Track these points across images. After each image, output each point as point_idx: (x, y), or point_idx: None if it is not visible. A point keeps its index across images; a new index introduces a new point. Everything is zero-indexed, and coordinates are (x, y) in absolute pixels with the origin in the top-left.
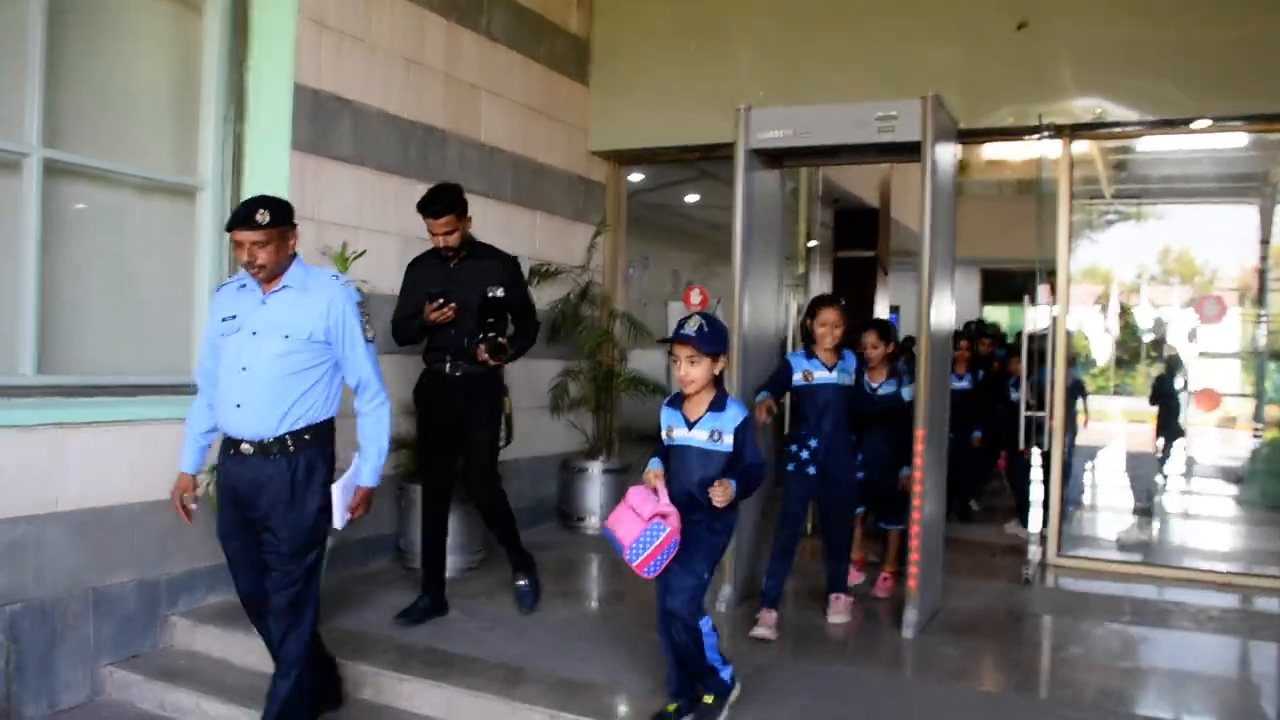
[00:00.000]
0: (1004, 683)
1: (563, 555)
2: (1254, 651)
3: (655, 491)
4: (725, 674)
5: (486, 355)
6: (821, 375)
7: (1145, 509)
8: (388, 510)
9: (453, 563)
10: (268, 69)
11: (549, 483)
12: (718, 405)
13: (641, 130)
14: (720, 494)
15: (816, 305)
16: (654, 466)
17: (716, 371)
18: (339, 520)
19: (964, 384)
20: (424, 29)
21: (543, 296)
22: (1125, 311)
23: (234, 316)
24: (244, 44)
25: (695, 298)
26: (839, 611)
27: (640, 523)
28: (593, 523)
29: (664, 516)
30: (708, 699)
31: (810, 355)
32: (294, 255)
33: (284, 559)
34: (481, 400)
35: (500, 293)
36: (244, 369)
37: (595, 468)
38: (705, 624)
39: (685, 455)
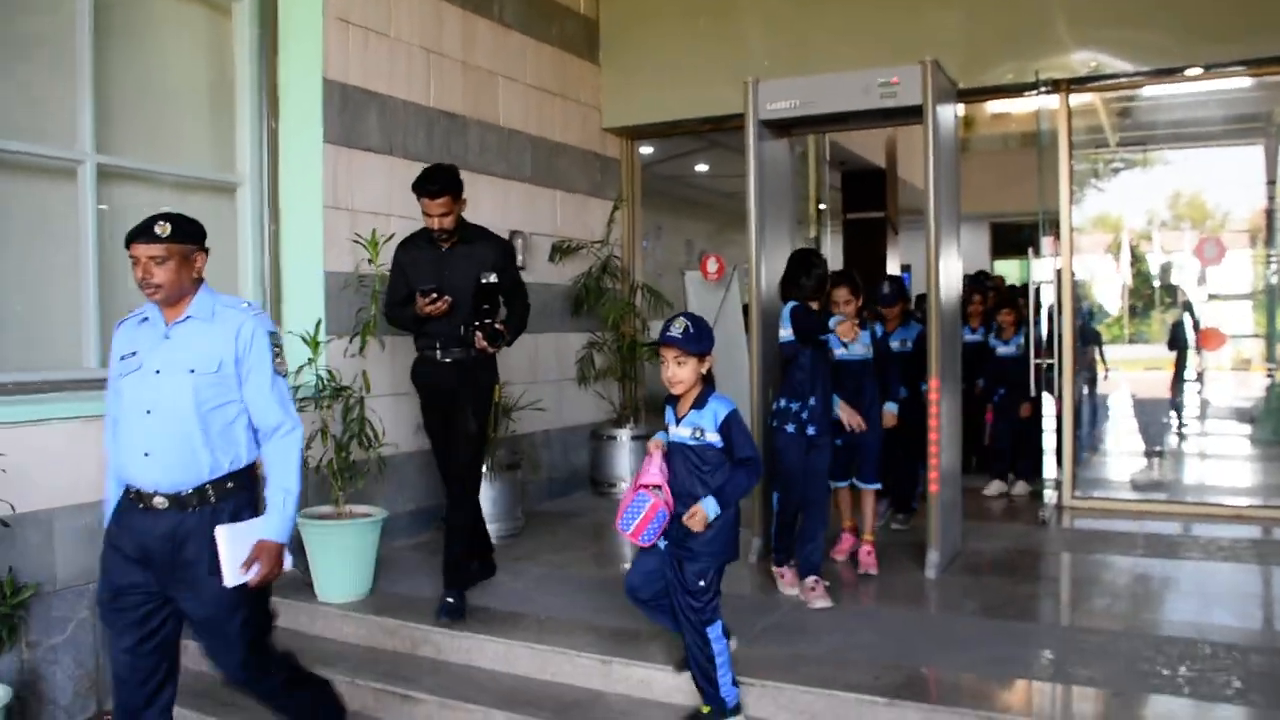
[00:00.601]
0: (1026, 614)
1: (595, 520)
2: (1260, 576)
3: (652, 460)
4: (730, 697)
5: (485, 343)
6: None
7: (1160, 451)
8: (429, 483)
9: (495, 530)
10: (298, 66)
11: (580, 452)
12: (699, 403)
13: (653, 105)
14: (696, 523)
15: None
16: (660, 436)
17: (704, 370)
18: (229, 578)
19: (976, 336)
20: (441, 19)
21: (565, 272)
22: (1138, 259)
23: (134, 354)
24: (273, 43)
25: (712, 265)
26: (820, 596)
27: (631, 492)
28: (623, 488)
29: (651, 488)
30: (705, 709)
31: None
32: (200, 280)
33: (205, 625)
34: (472, 388)
35: (494, 278)
36: (148, 412)
37: (624, 435)
38: (715, 630)
39: (676, 452)
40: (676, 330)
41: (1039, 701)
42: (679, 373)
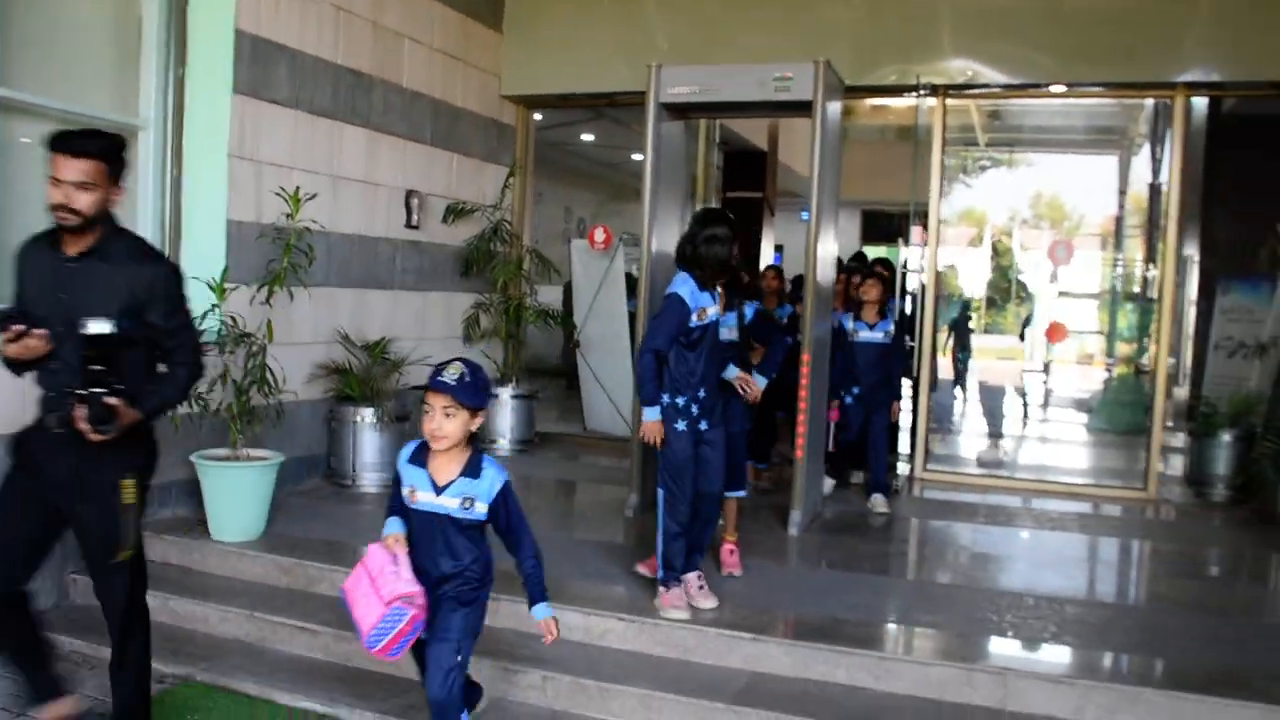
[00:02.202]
0: (877, 569)
1: None
2: (1084, 543)
3: (395, 560)
4: None
5: (86, 424)
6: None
7: (1004, 433)
8: (319, 431)
9: (382, 478)
10: (209, 14)
11: None
12: (472, 470)
13: (551, 77)
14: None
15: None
16: (393, 529)
17: (473, 428)
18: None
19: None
20: None
21: (458, 234)
22: (999, 254)
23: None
24: None
25: (599, 235)
26: (707, 596)
27: (379, 605)
28: (503, 445)
29: (407, 598)
30: None
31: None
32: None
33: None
34: (94, 479)
35: (107, 328)
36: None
37: (505, 394)
38: (465, 717)
39: (431, 524)
40: (450, 376)
41: (885, 640)
42: (445, 426)
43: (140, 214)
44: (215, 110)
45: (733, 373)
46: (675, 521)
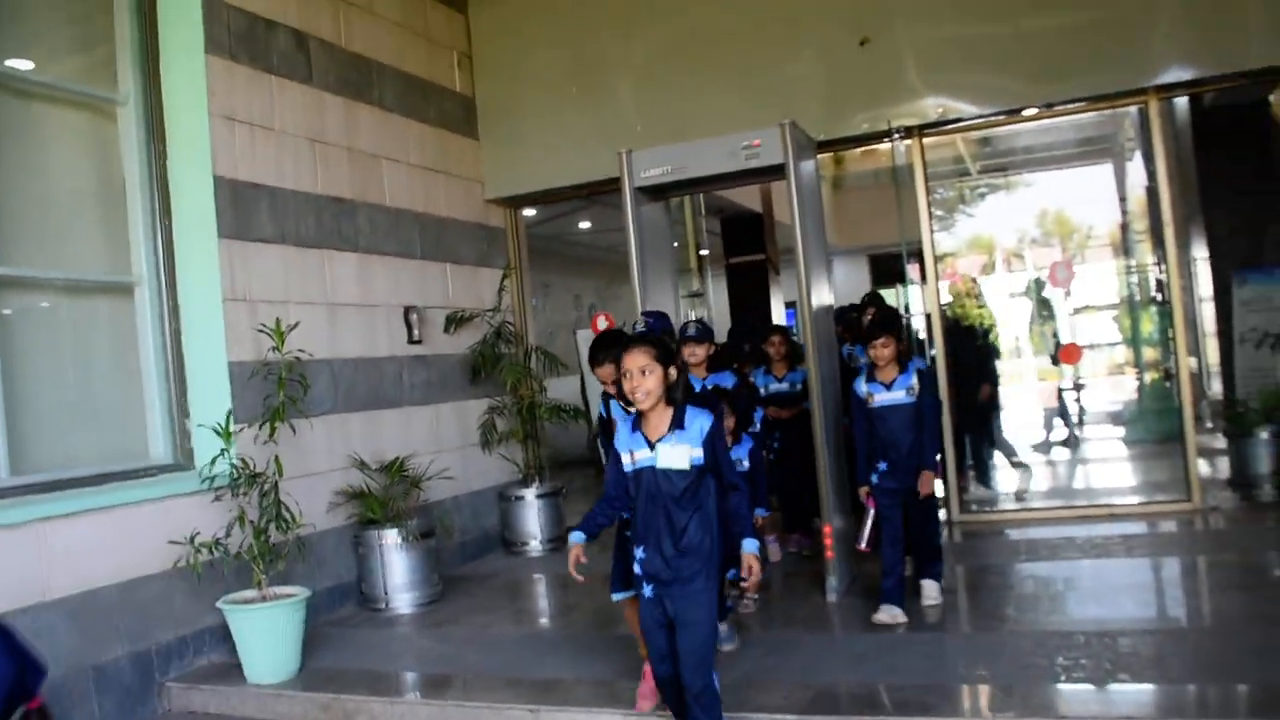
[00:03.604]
0: (917, 625)
1: (510, 579)
2: (1124, 568)
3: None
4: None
5: None
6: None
7: (1042, 460)
8: (347, 558)
9: (414, 597)
10: (187, 165)
11: (490, 514)
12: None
13: (532, 175)
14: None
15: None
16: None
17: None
18: None
19: (782, 385)
20: (324, 109)
21: (461, 341)
22: (965, 297)
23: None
24: (161, 144)
25: (602, 323)
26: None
27: None
28: (534, 546)
29: None
30: None
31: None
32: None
33: None
34: None
35: None
36: None
37: (530, 494)
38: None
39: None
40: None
41: (935, 702)
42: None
43: (144, 367)
44: (204, 258)
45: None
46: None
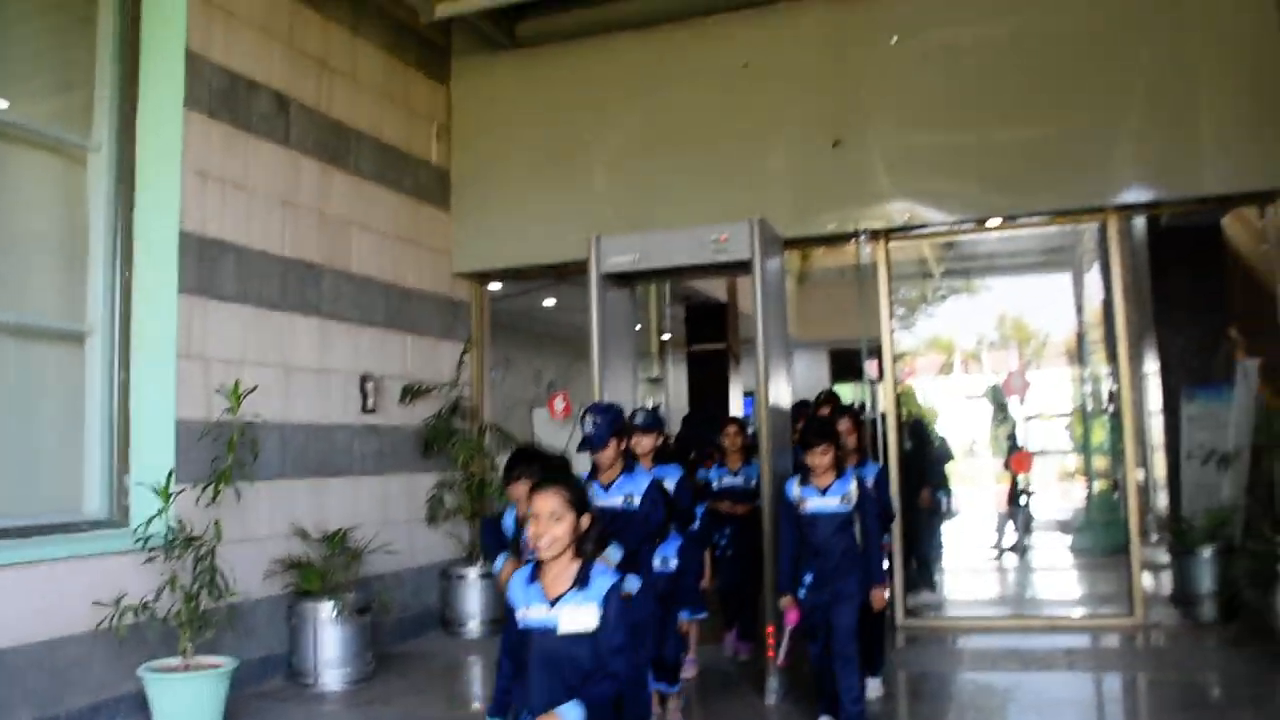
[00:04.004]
0: None
1: (447, 660)
2: (1064, 683)
3: None
4: None
5: None
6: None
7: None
8: (280, 629)
9: (345, 674)
10: (154, 217)
11: (430, 591)
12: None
13: (501, 252)
14: None
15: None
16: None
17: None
18: None
19: (737, 480)
20: (298, 171)
21: (415, 414)
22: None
23: None
24: (130, 194)
25: (559, 404)
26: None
27: None
28: (473, 627)
29: None
30: None
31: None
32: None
33: None
34: None
35: None
36: None
37: (473, 574)
38: None
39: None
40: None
41: None
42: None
43: (88, 419)
44: (163, 311)
45: None
46: None
